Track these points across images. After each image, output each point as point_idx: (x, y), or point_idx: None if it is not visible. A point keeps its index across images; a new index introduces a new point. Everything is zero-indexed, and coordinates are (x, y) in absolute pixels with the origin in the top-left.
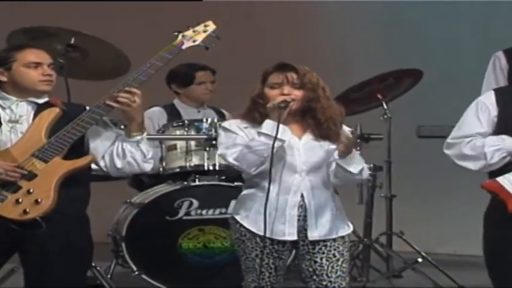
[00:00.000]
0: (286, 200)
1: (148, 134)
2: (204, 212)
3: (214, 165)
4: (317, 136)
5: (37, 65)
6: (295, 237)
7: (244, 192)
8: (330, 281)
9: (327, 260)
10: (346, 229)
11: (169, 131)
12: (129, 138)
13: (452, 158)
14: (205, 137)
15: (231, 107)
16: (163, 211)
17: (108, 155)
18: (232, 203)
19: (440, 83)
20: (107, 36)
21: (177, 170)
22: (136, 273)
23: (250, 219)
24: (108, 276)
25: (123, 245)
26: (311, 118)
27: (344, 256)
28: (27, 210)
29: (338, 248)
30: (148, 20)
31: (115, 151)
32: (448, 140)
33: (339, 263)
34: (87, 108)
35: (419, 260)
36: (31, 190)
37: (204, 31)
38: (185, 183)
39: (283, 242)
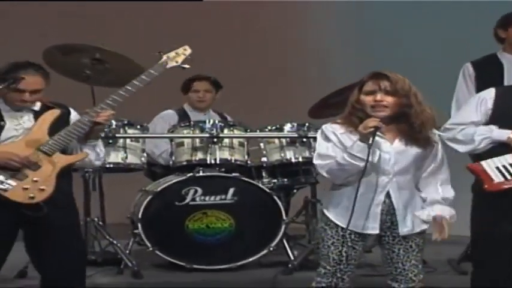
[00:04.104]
0: (371, 198)
1: (160, 134)
2: (207, 198)
3: (215, 159)
4: (407, 141)
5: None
6: (377, 232)
7: (333, 190)
8: (404, 269)
9: (403, 251)
10: (427, 223)
11: (178, 130)
12: (87, 142)
13: (445, 140)
14: (207, 135)
15: (231, 105)
16: (173, 197)
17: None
18: (231, 190)
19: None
20: (108, 35)
21: (184, 163)
22: (151, 249)
23: (336, 213)
24: (127, 251)
25: (140, 225)
26: (404, 122)
27: (420, 247)
28: (33, 196)
29: (415, 239)
30: (148, 20)
31: (74, 151)
32: (446, 125)
33: (414, 253)
34: (70, 109)
35: None
36: (36, 179)
37: (183, 54)
38: (191, 174)
39: (360, 235)
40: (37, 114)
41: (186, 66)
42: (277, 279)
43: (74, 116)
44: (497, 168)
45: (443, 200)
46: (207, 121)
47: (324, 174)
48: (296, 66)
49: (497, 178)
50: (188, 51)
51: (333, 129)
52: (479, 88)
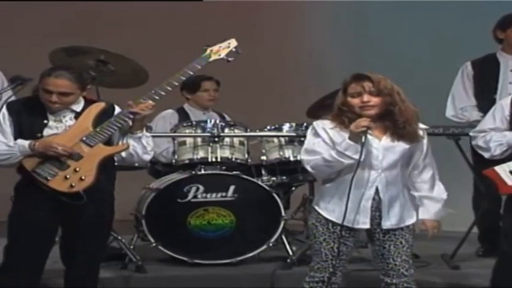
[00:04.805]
0: (362, 193)
1: (163, 133)
2: (208, 195)
3: (216, 157)
4: (394, 137)
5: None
6: (368, 226)
7: (324, 186)
8: (395, 264)
9: (394, 247)
10: (413, 219)
11: (180, 129)
12: (132, 134)
13: (475, 148)
14: (209, 135)
15: (231, 105)
16: (176, 195)
17: None
18: (232, 188)
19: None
20: (108, 35)
21: (187, 161)
22: (154, 244)
23: (327, 209)
24: (131, 247)
25: (143, 222)
26: (390, 121)
27: (409, 243)
28: (73, 184)
29: (405, 236)
30: (148, 20)
31: (120, 143)
32: (471, 133)
33: (404, 248)
34: (115, 106)
35: None
36: (77, 169)
37: (228, 47)
38: (193, 172)
39: (351, 230)
40: (78, 115)
41: (231, 59)
42: (276, 273)
43: (117, 111)
44: (511, 172)
45: (430, 198)
46: (209, 121)
47: (309, 169)
48: (295, 68)
49: (510, 181)
50: (233, 43)
51: (323, 124)
52: (476, 87)
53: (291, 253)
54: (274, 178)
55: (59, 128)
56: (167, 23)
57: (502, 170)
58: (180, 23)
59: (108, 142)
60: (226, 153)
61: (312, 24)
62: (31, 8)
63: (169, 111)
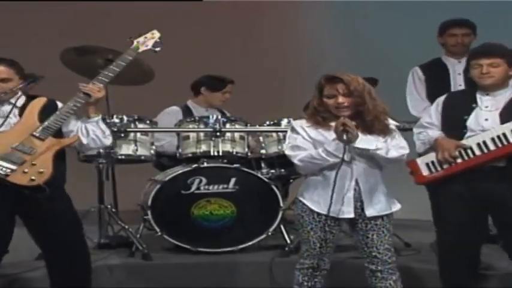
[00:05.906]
0: (343, 185)
1: (168, 128)
2: (210, 187)
3: (218, 151)
4: (365, 132)
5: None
6: (352, 215)
7: (308, 179)
8: (379, 252)
9: (377, 236)
10: (395, 207)
11: (184, 125)
12: (89, 119)
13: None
14: (211, 129)
15: (231, 102)
16: (180, 186)
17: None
18: (233, 180)
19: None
20: (108, 35)
21: (190, 155)
22: (159, 234)
23: (312, 200)
24: (138, 236)
25: (149, 212)
26: (359, 119)
27: (390, 232)
28: (33, 178)
29: (386, 225)
30: (148, 20)
31: (80, 131)
32: (414, 129)
33: (386, 237)
34: (57, 102)
35: None
36: (34, 162)
37: (152, 38)
38: (196, 165)
39: (336, 219)
40: (20, 111)
41: (158, 49)
42: (274, 261)
43: (60, 106)
44: (427, 164)
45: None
46: (211, 116)
47: (297, 162)
48: (294, 67)
49: (425, 172)
50: (157, 34)
51: (301, 124)
52: (429, 89)
53: (288, 241)
54: (273, 171)
55: (4, 126)
56: (167, 23)
57: (421, 161)
58: (180, 23)
59: (59, 134)
60: (228, 147)
61: (311, 24)
62: (31, 8)
63: (174, 107)
